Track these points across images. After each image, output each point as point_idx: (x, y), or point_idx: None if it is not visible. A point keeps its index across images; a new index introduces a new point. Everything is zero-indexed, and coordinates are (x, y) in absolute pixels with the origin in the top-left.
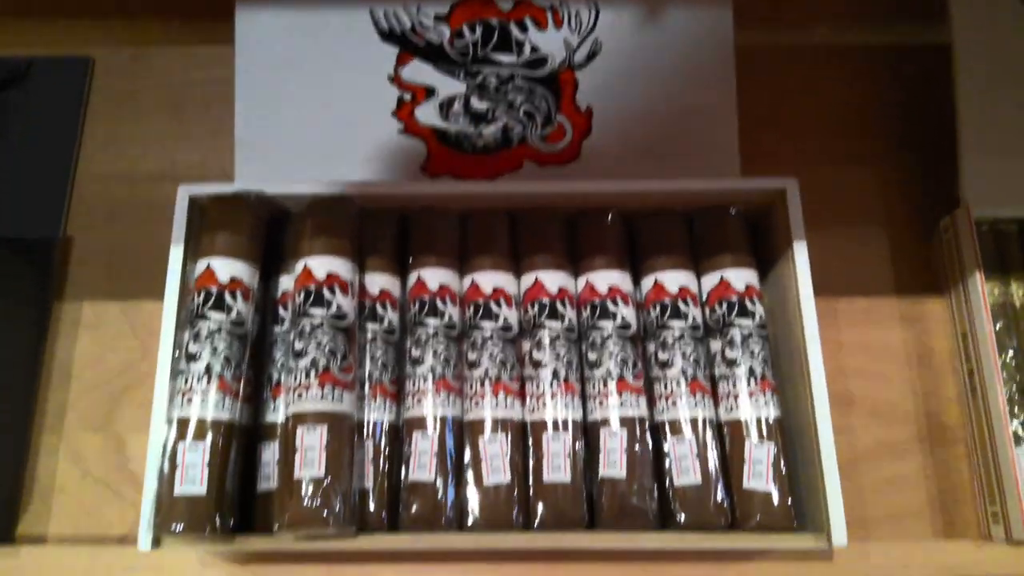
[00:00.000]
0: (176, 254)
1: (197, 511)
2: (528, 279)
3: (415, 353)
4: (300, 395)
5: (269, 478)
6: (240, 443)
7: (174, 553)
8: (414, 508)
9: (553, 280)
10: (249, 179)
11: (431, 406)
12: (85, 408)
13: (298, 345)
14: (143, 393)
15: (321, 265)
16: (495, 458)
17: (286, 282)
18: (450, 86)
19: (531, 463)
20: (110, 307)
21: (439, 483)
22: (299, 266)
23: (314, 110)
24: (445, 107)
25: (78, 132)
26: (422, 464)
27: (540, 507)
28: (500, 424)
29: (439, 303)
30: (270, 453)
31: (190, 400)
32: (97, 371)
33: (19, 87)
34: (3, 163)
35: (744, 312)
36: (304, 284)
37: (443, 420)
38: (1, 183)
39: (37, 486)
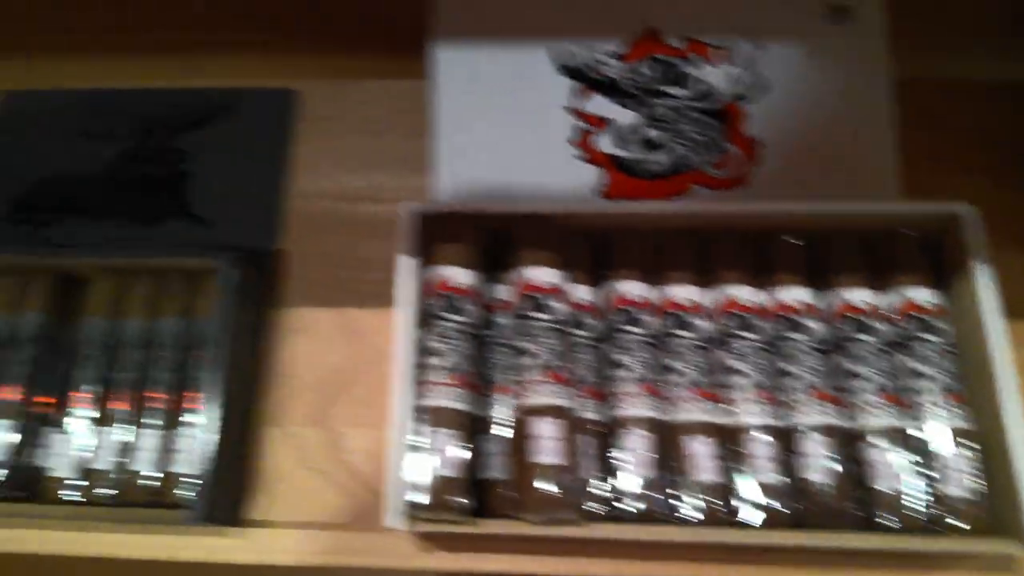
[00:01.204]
0: (406, 264)
1: (444, 492)
2: (719, 293)
3: (618, 358)
4: (534, 390)
5: (492, 467)
6: (470, 433)
7: (395, 538)
8: (626, 502)
9: (743, 294)
10: (450, 196)
11: (637, 407)
12: (303, 405)
13: (525, 345)
14: (357, 391)
15: (541, 275)
16: (702, 458)
17: (501, 290)
18: (625, 117)
19: (734, 463)
20: (322, 313)
21: (651, 479)
22: (519, 275)
23: (501, 137)
24: (621, 136)
25: (287, 156)
26: (633, 461)
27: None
28: (703, 427)
29: (639, 313)
30: (491, 444)
31: (430, 391)
32: (313, 371)
33: (232, 115)
34: (222, 183)
35: (929, 329)
36: (529, 291)
37: (649, 421)
38: (222, 201)
39: (262, 475)
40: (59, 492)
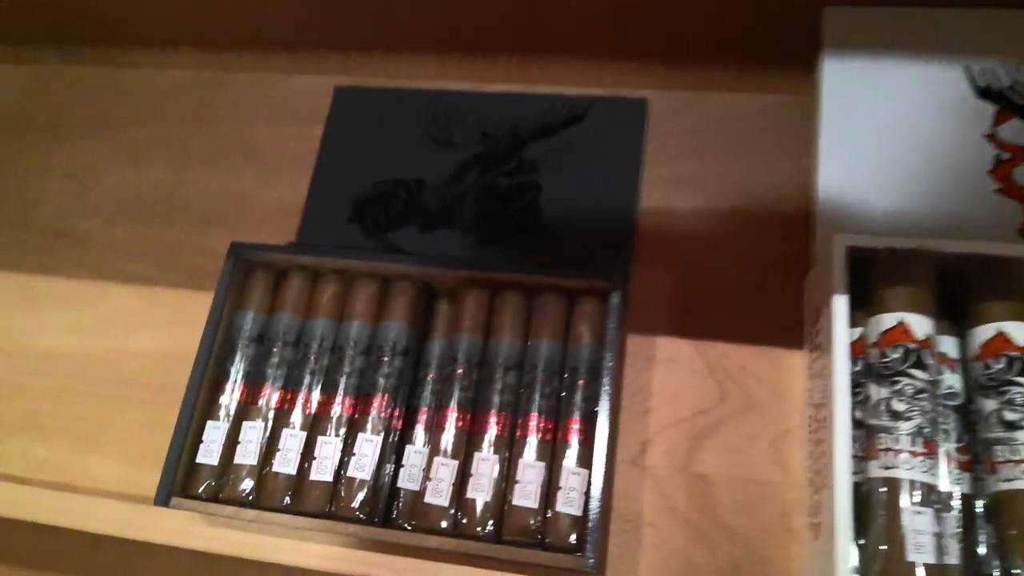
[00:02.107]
0: (841, 305)
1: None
2: None
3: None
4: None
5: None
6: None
7: None
8: None
9: None
10: (830, 225)
11: None
12: (665, 443)
13: (1012, 416)
14: (725, 437)
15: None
16: None
17: (980, 334)
18: None
19: None
20: (682, 345)
21: None
22: (986, 330)
23: (901, 162)
24: None
25: (639, 170)
26: None
27: None
28: None
29: None
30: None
31: (890, 463)
32: (673, 407)
33: (581, 124)
34: (573, 196)
35: None
36: (998, 351)
37: None
38: (573, 216)
39: (618, 517)
40: (438, 521)
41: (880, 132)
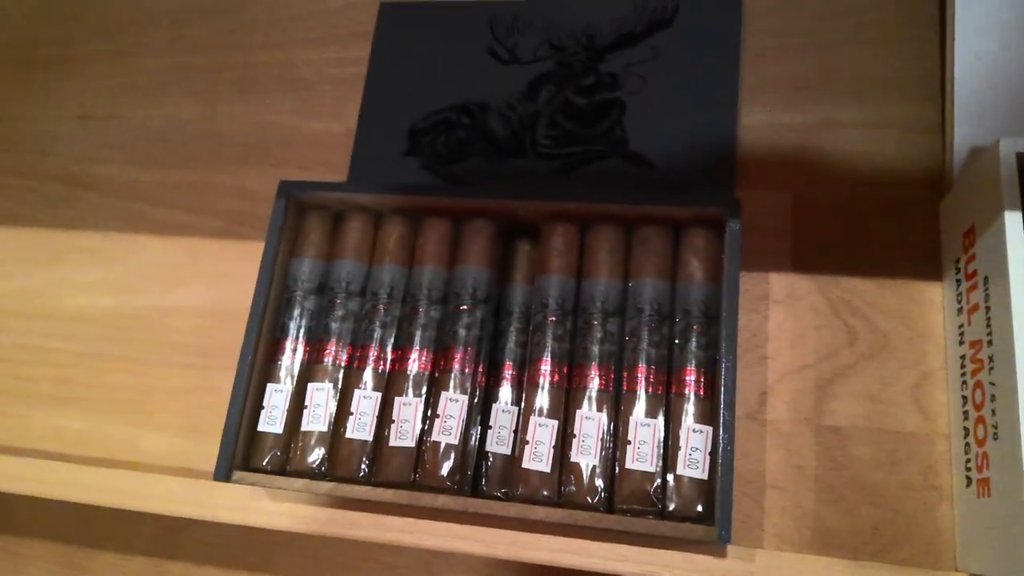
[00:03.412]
0: (1016, 221)
1: None
2: None
3: None
4: None
5: None
6: None
7: None
8: None
9: None
10: (971, 132)
11: None
12: (787, 393)
13: None
14: (857, 383)
15: None
16: None
17: None
18: None
19: None
20: (799, 281)
21: None
22: None
23: None
24: None
25: (737, 79)
26: None
27: None
28: None
29: None
30: None
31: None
32: (795, 353)
33: (663, 33)
34: (663, 113)
35: None
36: None
37: None
38: (665, 136)
39: (741, 483)
40: (539, 489)
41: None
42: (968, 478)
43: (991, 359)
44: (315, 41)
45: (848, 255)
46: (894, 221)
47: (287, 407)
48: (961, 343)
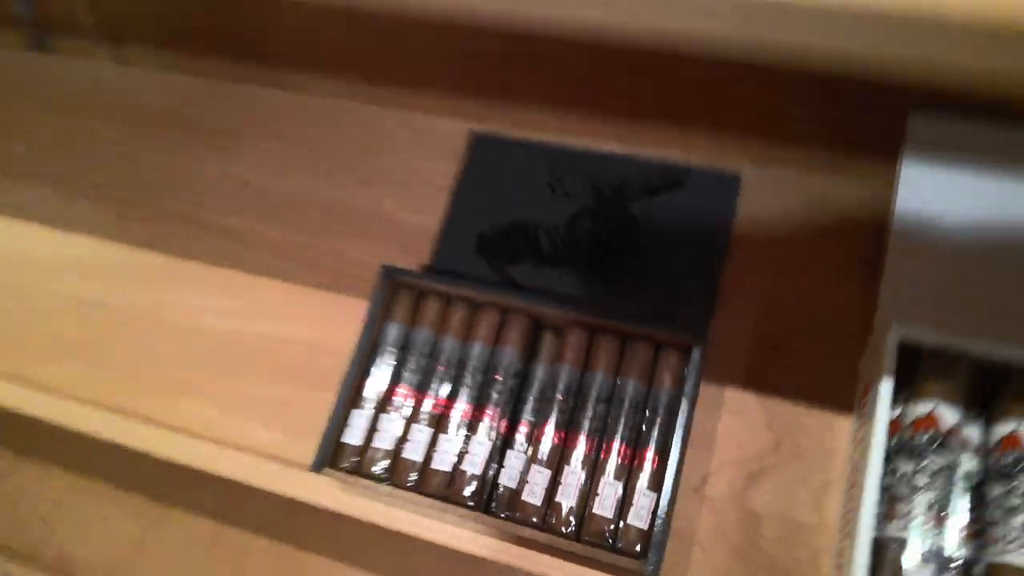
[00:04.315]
0: (886, 390)
1: None
2: None
3: None
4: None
5: None
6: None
7: None
8: None
9: None
10: (890, 312)
11: None
12: (724, 479)
13: (1014, 503)
14: (775, 480)
15: None
16: None
17: (1000, 430)
18: None
19: None
20: (748, 398)
21: None
22: (1011, 428)
23: (966, 263)
24: None
25: (728, 240)
26: None
27: None
28: None
29: None
30: None
31: (905, 526)
32: (736, 449)
33: (677, 192)
34: (667, 255)
35: None
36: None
37: None
38: (666, 273)
39: (677, 537)
40: (531, 516)
41: (949, 235)
42: (836, 564)
43: (857, 480)
44: (418, 153)
45: (789, 383)
46: (829, 362)
47: (365, 427)
48: (850, 463)
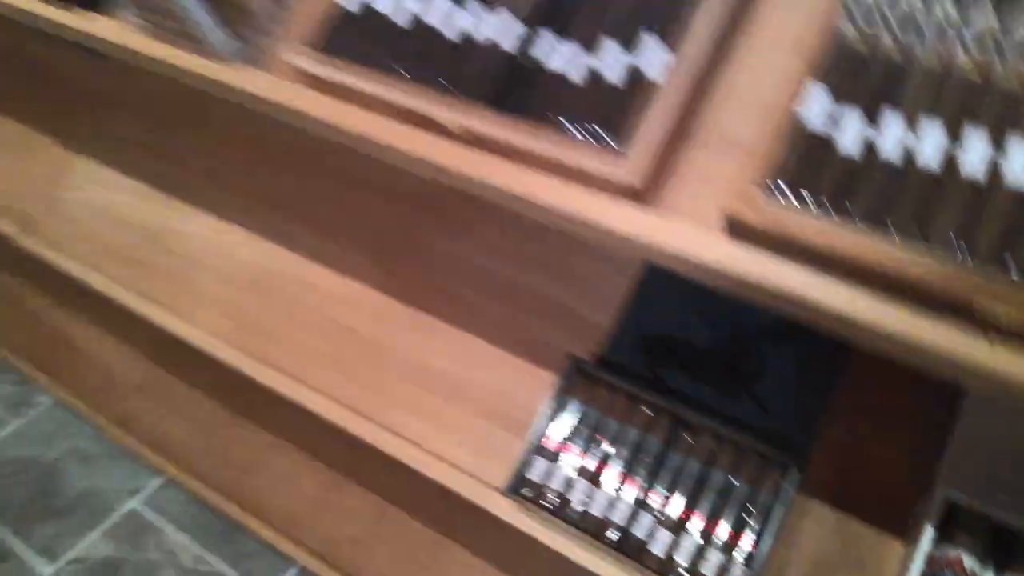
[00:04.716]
0: (927, 536)
1: None
2: None
3: None
4: None
5: None
6: None
7: None
8: None
9: None
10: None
11: None
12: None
13: None
14: None
15: None
16: None
17: None
18: None
19: None
20: (825, 509)
21: None
22: None
23: None
24: None
25: (836, 385)
26: None
27: None
28: None
29: None
30: None
31: None
32: (811, 548)
33: (797, 332)
34: (784, 387)
35: None
36: None
37: None
38: (779, 400)
39: None
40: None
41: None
42: None
43: None
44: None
45: (865, 505)
46: (899, 492)
47: (545, 468)
48: None
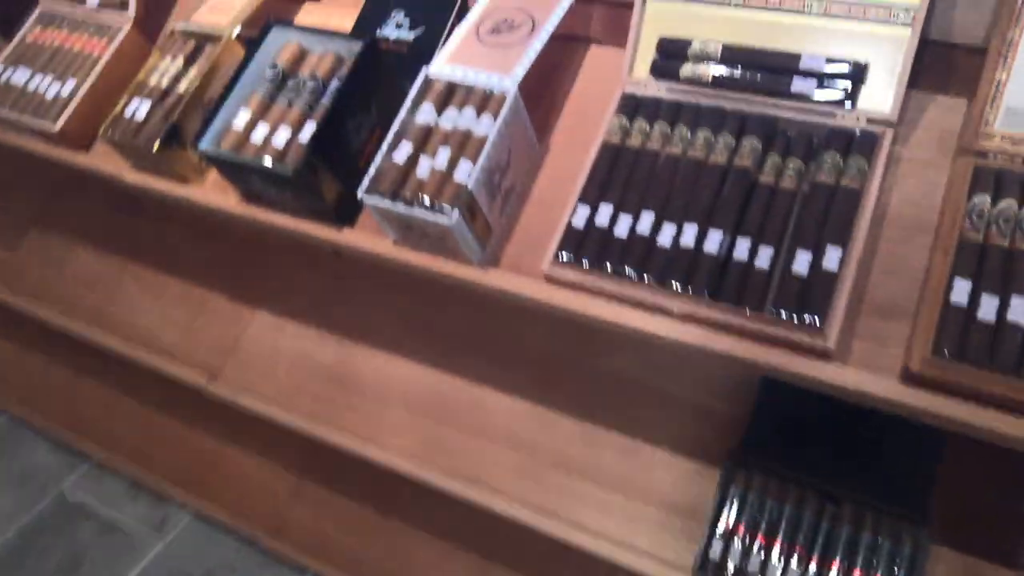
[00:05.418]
0: None
1: None
2: None
3: None
4: None
5: None
6: None
7: None
8: None
9: None
10: None
11: None
12: None
13: None
14: None
15: None
16: None
17: None
18: None
19: None
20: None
21: None
22: None
23: None
24: None
25: (933, 482)
26: None
27: None
28: None
29: None
30: None
31: None
32: None
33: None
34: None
35: None
36: None
37: None
38: (884, 470)
39: None
40: None
41: None
42: None
43: None
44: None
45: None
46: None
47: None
48: None
